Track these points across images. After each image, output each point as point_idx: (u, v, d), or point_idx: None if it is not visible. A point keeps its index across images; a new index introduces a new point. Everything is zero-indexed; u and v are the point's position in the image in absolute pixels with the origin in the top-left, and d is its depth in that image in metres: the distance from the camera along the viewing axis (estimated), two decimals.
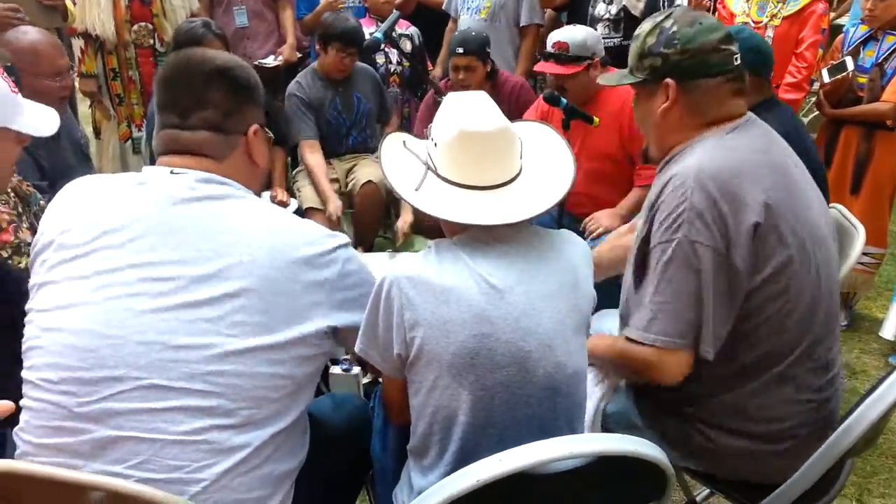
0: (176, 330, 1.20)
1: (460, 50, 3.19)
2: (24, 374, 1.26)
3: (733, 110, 1.55)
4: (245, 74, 1.41)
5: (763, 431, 1.53)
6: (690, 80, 1.52)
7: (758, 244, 1.42)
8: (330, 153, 3.55)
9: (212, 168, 1.34)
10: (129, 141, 3.85)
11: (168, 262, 1.24)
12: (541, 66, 2.94)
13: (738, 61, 1.53)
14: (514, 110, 3.28)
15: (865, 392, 1.52)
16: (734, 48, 1.52)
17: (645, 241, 1.53)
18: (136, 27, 3.66)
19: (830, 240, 1.58)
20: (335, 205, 3.29)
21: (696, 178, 1.43)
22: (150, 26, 3.69)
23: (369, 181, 3.36)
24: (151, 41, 3.72)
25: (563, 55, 2.81)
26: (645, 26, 1.59)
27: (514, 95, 3.39)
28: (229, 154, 1.37)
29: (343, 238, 1.38)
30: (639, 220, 1.62)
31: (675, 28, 1.52)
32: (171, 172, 1.32)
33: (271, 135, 1.58)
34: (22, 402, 1.26)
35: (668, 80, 1.53)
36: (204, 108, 1.35)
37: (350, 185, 3.49)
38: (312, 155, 3.44)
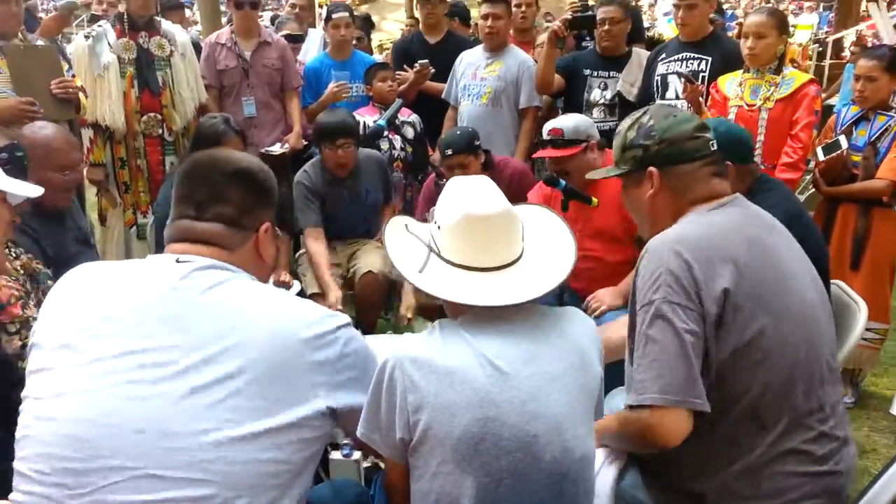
0: (174, 416, 1.19)
1: (449, 152, 3.26)
2: (16, 464, 1.24)
3: (716, 190, 1.63)
4: (264, 178, 1.48)
5: None
6: (671, 167, 1.63)
7: (728, 313, 1.46)
8: (334, 237, 3.58)
9: (221, 257, 1.37)
10: (135, 227, 3.90)
11: (166, 348, 1.23)
12: (540, 153, 3.04)
13: (714, 147, 1.64)
14: (515, 195, 3.33)
15: (877, 474, 1.49)
16: (708, 135, 1.65)
17: (632, 310, 1.57)
18: (145, 117, 3.77)
19: (822, 313, 1.59)
20: (336, 295, 3.29)
21: (672, 245, 1.51)
22: (159, 116, 3.80)
23: (369, 272, 3.38)
24: (160, 131, 3.81)
25: (559, 140, 2.91)
26: (625, 123, 1.73)
27: (515, 180, 3.46)
28: (239, 247, 1.41)
29: (344, 318, 1.38)
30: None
31: (651, 122, 1.66)
32: (177, 261, 1.34)
33: (280, 233, 1.63)
34: (11, 497, 1.23)
35: (651, 169, 1.64)
36: (222, 203, 1.40)
37: (351, 272, 3.50)
38: (315, 243, 3.47)
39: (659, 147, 1.63)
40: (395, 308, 3.69)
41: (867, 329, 3.13)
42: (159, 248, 1.44)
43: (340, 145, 3.39)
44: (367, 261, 3.44)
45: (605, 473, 1.65)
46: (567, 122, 2.96)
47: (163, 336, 1.25)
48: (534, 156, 3.25)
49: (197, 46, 4.25)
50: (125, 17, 3.75)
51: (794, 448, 1.49)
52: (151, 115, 3.79)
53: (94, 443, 1.18)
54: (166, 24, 3.95)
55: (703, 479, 1.54)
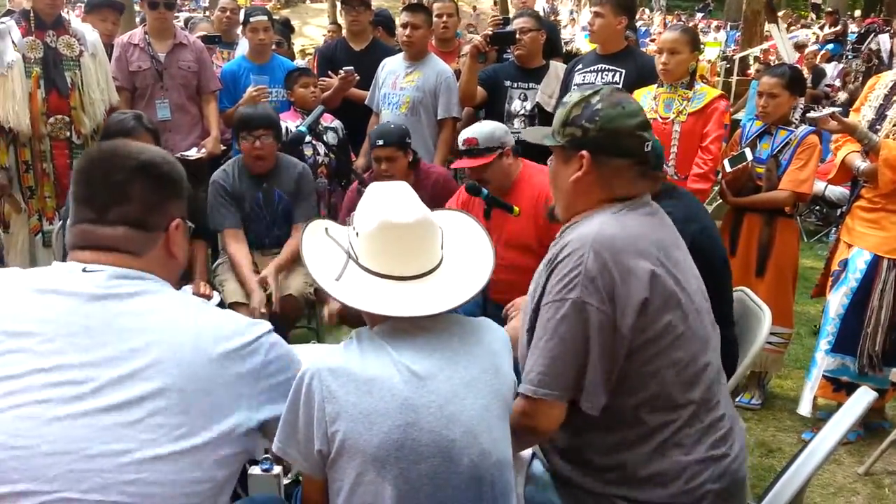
0: (89, 437, 1.14)
1: (380, 142, 3.30)
2: None
3: (637, 190, 1.66)
4: (169, 169, 1.37)
5: (669, 495, 1.55)
6: (604, 156, 1.61)
7: (644, 314, 1.51)
8: (253, 244, 3.51)
9: (129, 264, 1.29)
10: (40, 234, 3.72)
11: (80, 365, 1.17)
12: (457, 164, 3.07)
13: (649, 149, 1.64)
14: (436, 200, 3.35)
15: (780, 471, 1.57)
16: (647, 136, 1.63)
17: (539, 299, 1.59)
18: (52, 119, 3.60)
19: (706, 312, 1.67)
20: (259, 297, 3.23)
21: (592, 245, 1.52)
22: (67, 119, 3.64)
23: (290, 295, 3.34)
24: (68, 133, 3.65)
25: (474, 149, 2.96)
26: (574, 96, 1.68)
27: (438, 186, 3.48)
28: (148, 250, 1.32)
29: (265, 325, 1.34)
30: (533, 280, 1.68)
31: (599, 105, 1.62)
32: (84, 270, 1.26)
33: (192, 225, 1.55)
34: None
35: (584, 153, 1.62)
36: (124, 203, 1.30)
37: (270, 290, 3.40)
38: (236, 244, 3.41)
39: (598, 134, 1.61)
40: (318, 315, 3.65)
41: (772, 333, 3.28)
42: (66, 256, 1.35)
43: (259, 136, 3.34)
44: (287, 282, 3.38)
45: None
46: (482, 129, 3.00)
47: (74, 353, 1.18)
48: (452, 166, 3.29)
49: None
50: (31, 14, 3.58)
51: (693, 434, 1.56)
52: (59, 117, 3.62)
53: (1, 467, 1.11)
54: (75, 23, 3.79)
55: (611, 467, 1.59)
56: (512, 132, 4.00)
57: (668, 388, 1.54)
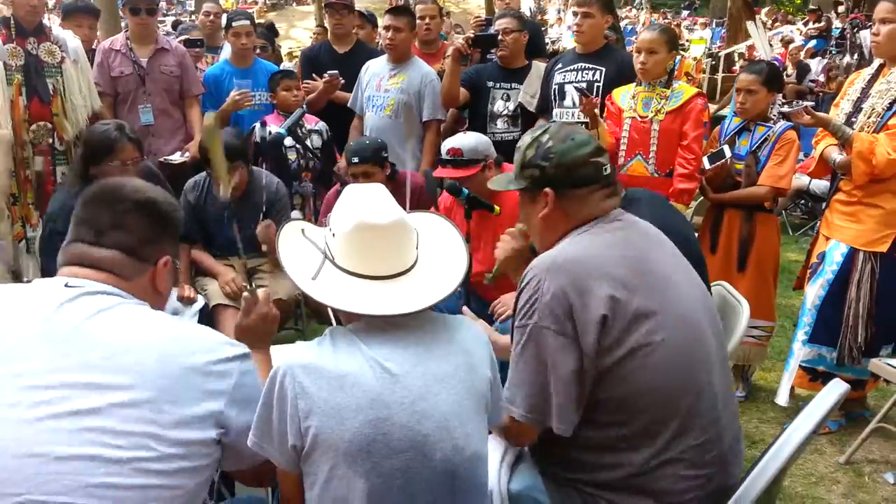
0: (58, 441, 1.15)
1: (355, 160, 3.28)
2: None
3: (603, 210, 1.71)
4: (170, 210, 1.46)
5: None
6: (566, 189, 1.69)
7: (606, 332, 1.53)
8: (224, 249, 3.47)
9: (115, 284, 1.34)
10: (24, 241, 3.71)
11: (52, 371, 1.20)
12: (439, 172, 3.06)
13: (607, 171, 1.72)
14: (414, 209, 3.35)
15: (754, 461, 1.59)
16: (602, 160, 1.71)
17: (513, 323, 1.66)
18: (34, 126, 3.60)
19: (703, 318, 1.67)
20: (231, 274, 3.28)
21: (548, 271, 1.58)
22: (50, 125, 3.64)
23: (279, 299, 3.31)
24: (50, 140, 3.65)
25: (458, 160, 2.96)
26: (525, 139, 1.77)
27: (415, 196, 3.48)
28: (136, 277, 1.39)
29: (242, 349, 1.37)
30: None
31: (550, 143, 1.70)
32: (66, 285, 1.30)
33: (179, 265, 1.61)
34: None
35: (547, 190, 1.70)
36: (121, 231, 1.37)
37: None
38: (193, 250, 3.45)
39: (555, 171, 1.69)
40: (304, 317, 3.67)
41: (754, 327, 3.34)
42: (47, 257, 1.40)
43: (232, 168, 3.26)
44: (278, 286, 3.37)
45: (494, 475, 1.70)
46: (466, 141, 3.01)
47: (48, 360, 1.21)
48: (434, 174, 3.28)
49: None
50: (12, 21, 3.58)
51: (676, 454, 1.56)
52: (41, 123, 3.62)
53: None
54: (57, 30, 3.79)
55: (602, 477, 1.60)
56: (495, 133, 4.06)
57: (649, 401, 1.55)
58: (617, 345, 1.53)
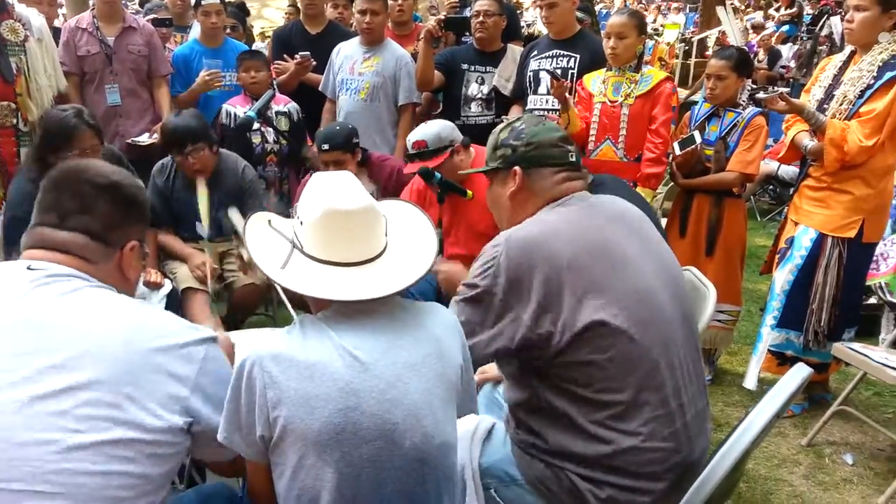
0: (17, 426, 1.14)
1: (326, 146, 3.25)
2: None
3: (568, 191, 1.78)
4: (137, 193, 1.45)
5: (623, 481, 1.60)
6: (533, 168, 1.79)
7: (550, 308, 1.59)
8: (195, 235, 3.46)
9: (81, 268, 1.32)
10: None
11: (12, 354, 1.18)
12: (409, 168, 3.03)
13: (573, 158, 1.82)
14: (392, 192, 3.35)
15: (719, 444, 1.62)
16: (570, 147, 1.83)
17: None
18: None
19: (664, 294, 1.69)
20: (201, 257, 3.25)
21: (506, 241, 1.66)
22: (13, 105, 3.54)
23: (251, 284, 3.31)
24: (14, 121, 3.55)
25: (424, 152, 2.95)
26: (500, 126, 1.90)
27: (392, 180, 3.47)
28: (102, 261, 1.37)
29: (207, 332, 1.36)
30: None
31: (523, 126, 1.83)
32: (28, 268, 1.28)
33: (147, 252, 1.59)
34: None
35: (516, 168, 1.79)
36: (86, 214, 1.36)
37: (230, 278, 3.38)
38: (160, 234, 3.40)
39: (526, 149, 1.79)
40: (275, 302, 3.65)
41: (721, 311, 3.40)
42: (8, 246, 1.37)
43: (189, 152, 3.25)
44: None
45: (466, 450, 1.75)
46: (428, 131, 2.99)
47: (8, 343, 1.19)
48: (405, 170, 3.27)
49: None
50: None
51: (637, 426, 1.59)
52: (4, 103, 3.52)
53: None
54: (20, 7, 3.69)
55: (565, 449, 1.64)
56: (469, 116, 4.05)
57: (603, 375, 1.59)
58: (567, 322, 1.57)
